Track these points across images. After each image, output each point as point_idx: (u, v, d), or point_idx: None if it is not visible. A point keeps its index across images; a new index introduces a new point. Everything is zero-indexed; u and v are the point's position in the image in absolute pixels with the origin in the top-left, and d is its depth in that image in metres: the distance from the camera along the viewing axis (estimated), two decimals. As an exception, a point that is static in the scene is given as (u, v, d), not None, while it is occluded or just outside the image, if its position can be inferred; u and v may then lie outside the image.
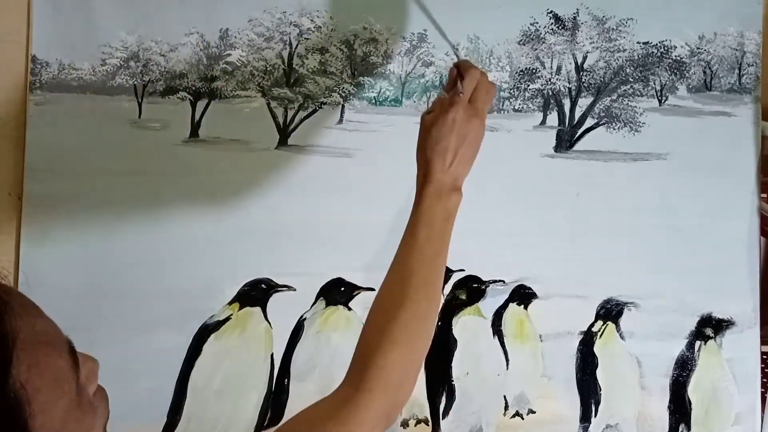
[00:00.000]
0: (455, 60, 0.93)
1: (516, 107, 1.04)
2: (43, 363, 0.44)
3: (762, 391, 1.03)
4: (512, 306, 1.02)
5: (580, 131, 1.05)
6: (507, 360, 1.01)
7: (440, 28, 0.98)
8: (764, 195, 1.05)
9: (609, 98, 1.05)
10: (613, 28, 1.04)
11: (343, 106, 1.02)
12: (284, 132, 1.01)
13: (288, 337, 0.98)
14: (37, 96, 0.97)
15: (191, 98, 1.00)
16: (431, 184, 0.73)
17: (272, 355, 0.98)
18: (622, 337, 1.03)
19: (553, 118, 1.04)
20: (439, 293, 0.73)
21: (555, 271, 1.02)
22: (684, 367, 1.03)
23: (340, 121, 1.02)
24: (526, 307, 1.02)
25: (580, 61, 1.05)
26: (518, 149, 1.03)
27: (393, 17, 1.02)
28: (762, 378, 1.04)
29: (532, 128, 1.04)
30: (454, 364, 1.00)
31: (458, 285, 1.01)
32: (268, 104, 1.01)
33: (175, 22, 0.99)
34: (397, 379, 0.66)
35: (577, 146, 1.04)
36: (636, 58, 1.05)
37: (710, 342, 1.03)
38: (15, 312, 0.43)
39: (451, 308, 1.01)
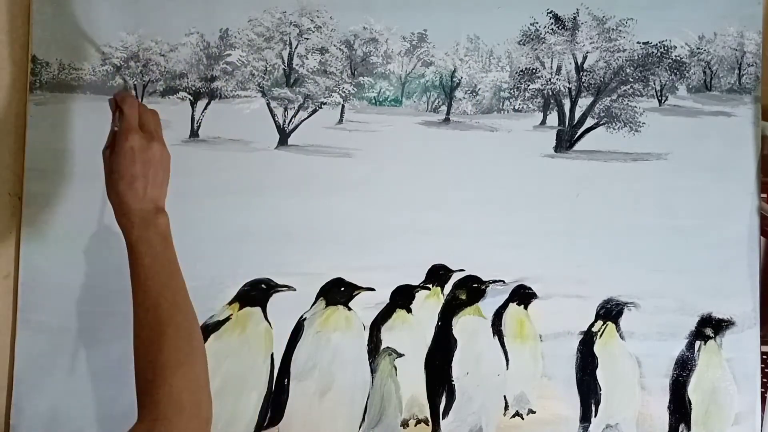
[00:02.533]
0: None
1: (516, 107, 1.04)
2: None
3: (762, 391, 1.03)
4: (512, 306, 1.02)
5: (580, 131, 1.05)
6: (507, 360, 1.01)
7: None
8: (764, 195, 1.05)
9: (609, 98, 1.05)
10: (613, 28, 1.04)
11: (343, 106, 1.02)
12: (284, 132, 1.01)
13: (288, 337, 0.98)
14: (37, 96, 0.97)
15: (191, 98, 1.00)
16: (134, 215, 0.73)
17: (272, 355, 0.98)
18: (622, 337, 1.03)
19: (553, 118, 1.04)
20: (192, 310, 0.74)
21: (555, 271, 1.02)
22: (684, 367, 1.03)
23: (340, 121, 1.02)
24: (526, 307, 1.02)
25: (580, 61, 1.05)
26: (518, 149, 1.03)
27: (393, 17, 1.02)
28: (762, 378, 1.04)
29: (532, 128, 1.04)
30: (454, 364, 1.00)
31: (458, 285, 1.01)
32: (268, 104, 1.01)
33: (175, 22, 0.99)
34: (190, 400, 0.67)
35: (577, 146, 1.04)
36: (636, 58, 1.05)
37: (710, 342, 1.03)
38: None
39: (451, 308, 1.01)
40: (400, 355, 0.99)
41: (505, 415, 1.01)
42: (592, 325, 1.03)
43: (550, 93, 1.04)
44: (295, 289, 0.98)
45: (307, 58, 1.01)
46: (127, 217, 0.73)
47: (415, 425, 1.00)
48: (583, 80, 1.05)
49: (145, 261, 0.72)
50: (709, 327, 1.03)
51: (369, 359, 0.99)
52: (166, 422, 0.65)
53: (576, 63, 1.05)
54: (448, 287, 1.01)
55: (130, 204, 0.73)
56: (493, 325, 1.02)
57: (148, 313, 0.71)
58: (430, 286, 1.01)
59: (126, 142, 0.74)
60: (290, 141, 1.01)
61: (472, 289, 1.01)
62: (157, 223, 0.74)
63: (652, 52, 1.05)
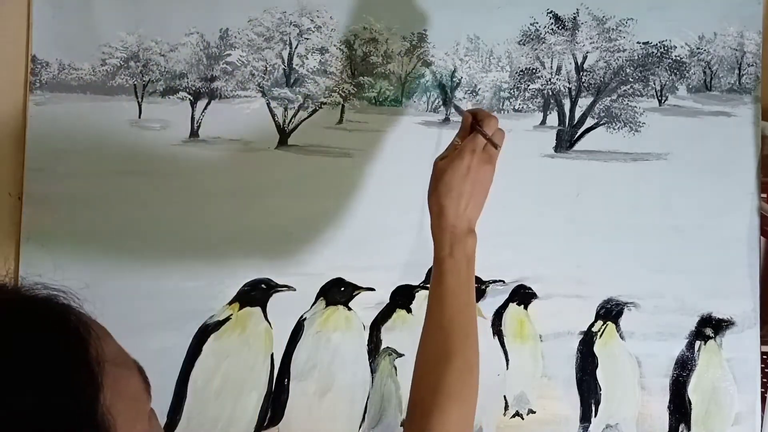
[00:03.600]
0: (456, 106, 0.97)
1: (516, 107, 1.04)
2: (122, 385, 0.43)
3: (762, 391, 1.03)
4: (512, 306, 1.02)
5: (580, 131, 1.05)
6: (507, 360, 1.01)
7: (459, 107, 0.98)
8: (764, 195, 1.05)
9: (609, 98, 1.05)
10: (613, 28, 1.04)
11: (343, 106, 1.02)
12: (284, 132, 1.01)
13: (288, 337, 0.98)
14: (37, 96, 0.97)
15: (191, 98, 1.00)
16: (447, 230, 0.74)
17: (272, 355, 0.98)
18: (622, 337, 1.03)
19: (553, 118, 1.04)
20: (477, 342, 0.75)
21: (555, 271, 1.02)
22: (684, 367, 1.03)
23: (340, 121, 1.02)
24: (526, 307, 1.02)
25: (580, 61, 1.05)
26: (518, 149, 1.03)
27: (393, 17, 1.02)
28: (762, 378, 1.04)
29: (532, 128, 1.04)
30: (454, 364, 1.00)
31: (458, 285, 1.01)
32: (268, 104, 1.01)
33: (175, 22, 0.99)
34: None
35: (577, 146, 1.04)
36: (636, 58, 1.05)
37: (710, 342, 1.03)
38: (96, 335, 0.43)
39: (451, 308, 1.01)
40: (400, 355, 0.99)
41: (505, 415, 1.01)
42: (592, 325, 1.03)
43: (550, 93, 1.04)
44: (295, 289, 0.98)
45: (307, 58, 1.01)
46: (443, 231, 0.74)
47: (415, 425, 1.00)
48: (583, 80, 1.05)
49: (449, 279, 0.73)
50: (709, 327, 1.03)
51: (369, 359, 0.99)
52: None
53: (576, 63, 1.05)
54: (448, 287, 1.01)
55: (449, 219, 0.74)
56: (493, 325, 1.02)
57: (440, 332, 0.71)
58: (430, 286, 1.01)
59: (464, 160, 0.74)
60: (290, 141, 1.01)
61: (472, 289, 1.01)
62: (466, 243, 0.74)
63: (652, 52, 1.05)
